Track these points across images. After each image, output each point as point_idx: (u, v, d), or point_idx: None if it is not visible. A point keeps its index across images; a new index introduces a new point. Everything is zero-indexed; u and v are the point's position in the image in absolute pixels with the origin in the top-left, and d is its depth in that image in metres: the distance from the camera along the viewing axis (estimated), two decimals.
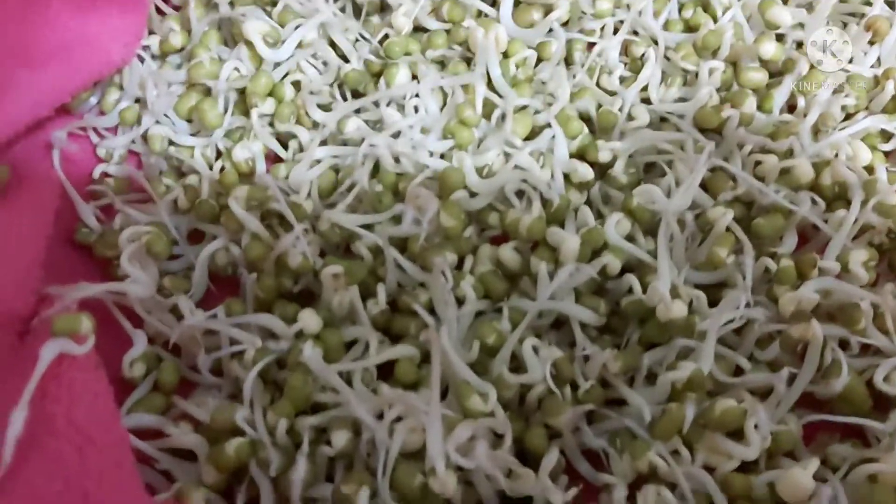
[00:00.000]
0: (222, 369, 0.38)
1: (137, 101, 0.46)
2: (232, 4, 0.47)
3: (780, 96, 0.43)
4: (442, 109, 0.44)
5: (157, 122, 0.45)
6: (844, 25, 0.46)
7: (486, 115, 0.44)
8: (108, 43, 0.43)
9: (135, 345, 0.37)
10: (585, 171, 0.41)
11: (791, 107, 0.44)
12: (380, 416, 0.33)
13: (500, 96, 0.44)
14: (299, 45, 0.46)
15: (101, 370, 0.32)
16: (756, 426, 0.34)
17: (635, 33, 0.46)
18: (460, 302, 0.37)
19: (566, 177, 0.41)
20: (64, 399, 0.29)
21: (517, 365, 0.36)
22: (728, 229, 0.38)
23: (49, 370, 0.30)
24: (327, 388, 0.35)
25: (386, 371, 0.36)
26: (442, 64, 0.46)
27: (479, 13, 0.47)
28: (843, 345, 0.36)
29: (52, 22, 0.41)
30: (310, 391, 0.35)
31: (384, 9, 0.48)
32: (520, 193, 0.41)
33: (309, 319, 0.36)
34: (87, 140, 0.45)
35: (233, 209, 0.39)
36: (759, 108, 0.43)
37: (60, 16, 0.41)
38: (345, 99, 0.45)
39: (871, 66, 0.44)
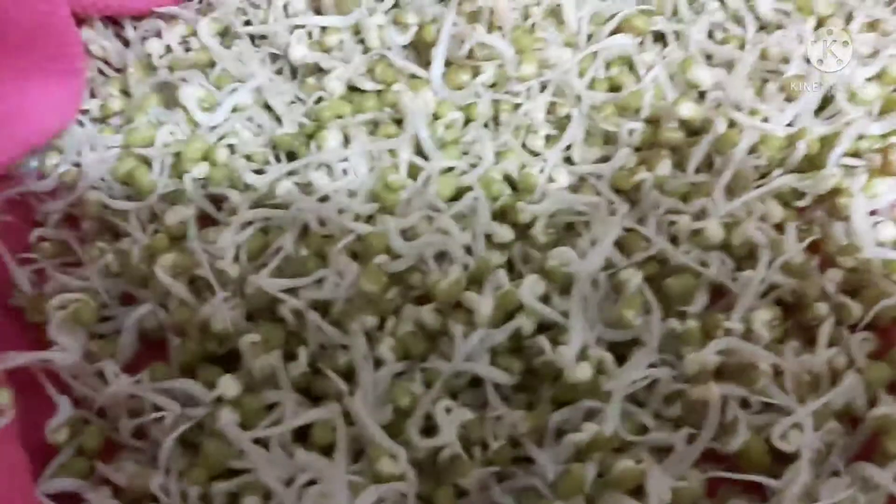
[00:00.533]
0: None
1: (77, 164, 0.47)
2: (171, 69, 0.49)
3: (696, 156, 0.45)
4: (371, 170, 0.45)
5: (93, 186, 0.46)
6: (764, 82, 0.48)
7: (413, 177, 0.45)
8: (46, 112, 0.45)
9: (59, 410, 0.38)
10: (505, 233, 0.42)
11: (711, 164, 0.45)
12: (292, 480, 0.35)
13: (427, 158, 0.45)
14: (234, 109, 0.47)
15: (17, 441, 0.33)
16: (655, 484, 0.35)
17: (564, 92, 0.48)
18: (379, 363, 0.39)
19: (487, 238, 0.43)
20: None
21: (432, 424, 0.37)
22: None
23: None
24: (244, 453, 0.36)
25: (306, 433, 0.38)
26: (375, 124, 0.48)
27: (412, 75, 0.48)
28: (746, 402, 0.38)
29: None
30: (224, 457, 0.36)
31: (320, 70, 0.49)
32: (443, 254, 0.42)
33: (227, 385, 0.37)
34: (25, 203, 0.46)
35: (158, 277, 0.40)
36: (677, 166, 0.45)
37: None
38: (278, 161, 0.47)
39: (789, 125, 0.46)
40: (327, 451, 0.37)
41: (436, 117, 0.46)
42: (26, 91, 0.44)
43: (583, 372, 0.37)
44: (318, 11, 0.50)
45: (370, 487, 0.34)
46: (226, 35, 0.50)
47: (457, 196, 0.44)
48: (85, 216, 0.45)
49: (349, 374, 0.39)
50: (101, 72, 0.50)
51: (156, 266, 0.40)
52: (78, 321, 0.40)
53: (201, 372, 0.39)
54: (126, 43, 0.51)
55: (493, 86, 0.47)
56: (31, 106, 0.44)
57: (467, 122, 0.47)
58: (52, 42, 0.44)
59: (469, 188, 0.44)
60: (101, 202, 0.45)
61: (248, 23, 0.50)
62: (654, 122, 0.47)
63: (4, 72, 0.43)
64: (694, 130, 0.46)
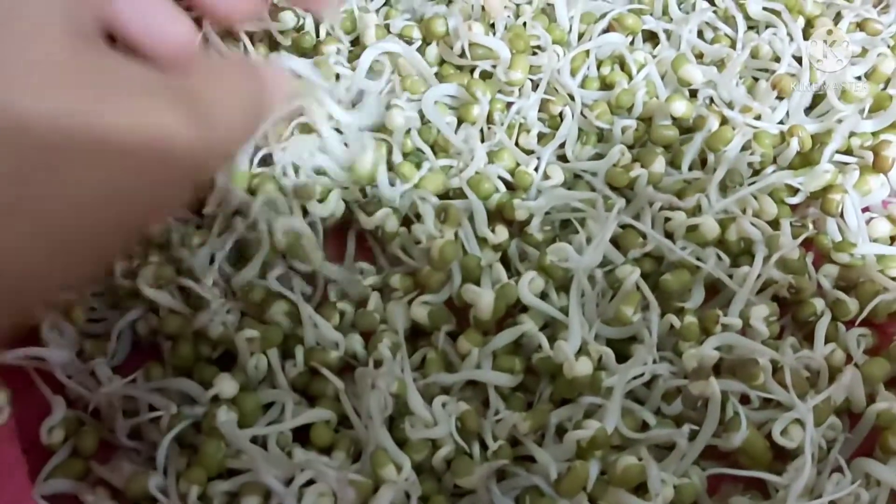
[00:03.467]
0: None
1: None
2: None
3: (689, 153, 0.45)
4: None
5: None
6: (755, 80, 0.48)
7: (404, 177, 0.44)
8: None
9: (53, 411, 0.37)
10: (499, 234, 0.42)
11: (704, 161, 0.45)
12: (292, 480, 0.34)
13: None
14: None
15: (14, 441, 0.33)
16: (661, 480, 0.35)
17: (556, 90, 0.47)
18: (378, 364, 0.38)
19: (482, 240, 0.42)
20: None
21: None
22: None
23: None
24: (243, 452, 0.36)
25: (304, 433, 0.37)
26: None
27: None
28: (746, 398, 0.38)
29: None
30: (222, 457, 0.36)
31: None
32: None
33: (225, 384, 0.37)
34: None
35: (142, 290, 0.39)
36: (671, 164, 0.45)
37: None
38: None
39: (780, 122, 0.46)
40: (326, 451, 0.37)
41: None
42: None
43: (582, 367, 0.37)
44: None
45: (384, 488, 0.34)
46: None
47: (444, 195, 0.44)
48: None
49: (343, 373, 0.39)
50: None
51: (139, 278, 0.39)
52: (68, 319, 0.39)
53: (197, 371, 0.39)
54: None
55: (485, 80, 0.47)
56: None
57: (460, 121, 0.46)
58: None
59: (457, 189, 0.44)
60: None
61: None
62: (646, 120, 0.47)
63: None
64: (686, 128, 0.46)
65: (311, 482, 0.34)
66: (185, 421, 0.37)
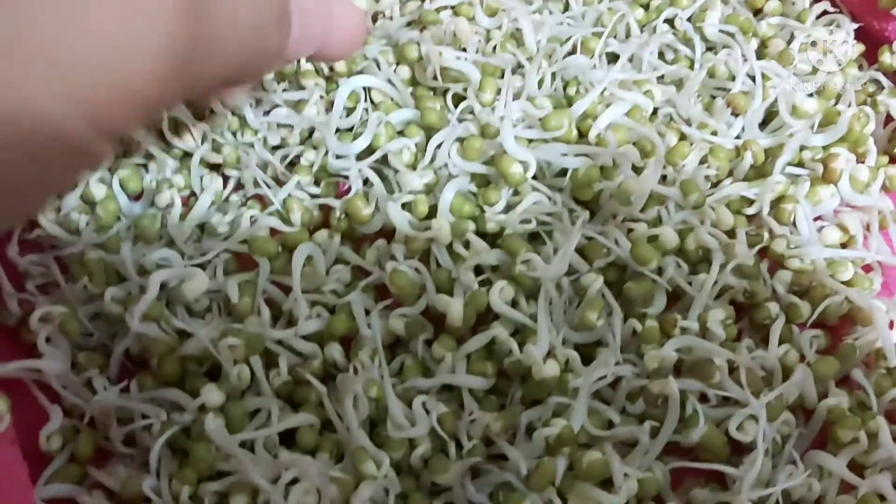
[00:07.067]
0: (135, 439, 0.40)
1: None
2: None
3: (651, 167, 0.47)
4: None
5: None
6: (713, 98, 0.50)
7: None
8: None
9: (51, 419, 0.39)
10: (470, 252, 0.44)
11: (663, 176, 0.48)
12: (278, 479, 0.37)
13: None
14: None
15: (16, 446, 0.35)
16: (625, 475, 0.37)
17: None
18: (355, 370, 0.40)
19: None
20: None
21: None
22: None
23: None
24: (231, 455, 0.38)
25: (290, 437, 0.40)
26: None
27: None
28: (704, 397, 0.40)
29: None
30: (212, 460, 0.38)
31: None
32: None
33: (210, 394, 0.39)
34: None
35: (131, 326, 0.40)
36: None
37: None
38: None
39: (737, 137, 0.49)
40: (311, 453, 0.39)
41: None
42: None
43: (550, 369, 0.39)
44: None
45: (365, 483, 0.36)
46: None
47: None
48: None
49: (324, 381, 0.41)
50: None
51: (127, 314, 0.40)
52: (63, 331, 0.41)
53: (188, 379, 0.41)
54: None
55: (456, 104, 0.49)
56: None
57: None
58: None
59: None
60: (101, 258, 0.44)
61: None
62: None
63: None
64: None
65: (296, 481, 0.36)
66: (174, 427, 0.38)
